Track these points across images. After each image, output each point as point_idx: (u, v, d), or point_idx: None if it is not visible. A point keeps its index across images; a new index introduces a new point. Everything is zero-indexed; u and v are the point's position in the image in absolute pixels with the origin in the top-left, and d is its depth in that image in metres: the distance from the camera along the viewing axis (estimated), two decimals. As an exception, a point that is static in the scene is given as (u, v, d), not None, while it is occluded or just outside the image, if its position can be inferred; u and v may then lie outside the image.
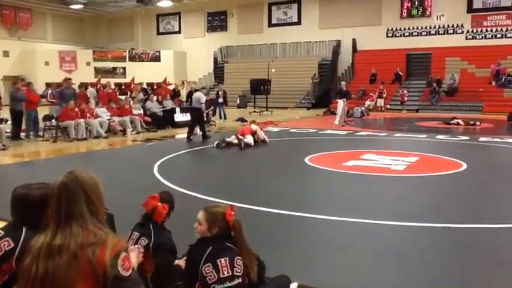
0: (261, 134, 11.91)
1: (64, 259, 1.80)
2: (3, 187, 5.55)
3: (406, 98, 24.52)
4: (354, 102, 23.48)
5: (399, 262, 4.15)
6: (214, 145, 11.26)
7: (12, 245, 2.36)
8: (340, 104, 17.14)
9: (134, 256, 2.67)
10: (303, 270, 3.84)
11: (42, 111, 13.83)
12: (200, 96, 13.07)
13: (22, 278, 1.87)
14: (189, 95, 19.95)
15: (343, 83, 18.62)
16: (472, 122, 17.11)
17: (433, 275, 3.82)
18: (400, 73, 26.58)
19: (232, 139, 11.40)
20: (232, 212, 2.86)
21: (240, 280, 2.78)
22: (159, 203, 3.17)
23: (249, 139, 11.26)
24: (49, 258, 1.81)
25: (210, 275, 2.73)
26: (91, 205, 1.91)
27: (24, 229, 2.40)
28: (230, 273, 2.74)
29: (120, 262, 1.83)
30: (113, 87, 17.69)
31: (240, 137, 11.27)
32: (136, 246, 2.97)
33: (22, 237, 2.36)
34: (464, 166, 8.68)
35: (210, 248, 2.77)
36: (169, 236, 3.22)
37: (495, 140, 12.75)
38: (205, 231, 2.86)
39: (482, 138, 13.01)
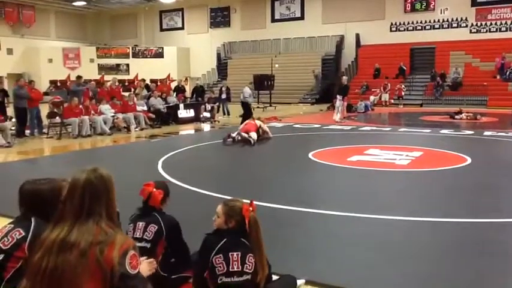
0: (265, 127, 12.14)
1: (73, 255, 1.81)
2: (9, 184, 5.58)
3: (403, 93, 24.49)
4: (358, 96, 23.44)
5: (404, 257, 4.15)
6: (225, 140, 11.27)
7: (24, 233, 2.43)
8: (338, 100, 17.05)
9: (146, 267, 2.62)
10: (308, 266, 3.84)
11: (45, 109, 13.82)
12: (245, 91, 13.77)
13: (31, 271, 1.88)
14: (194, 91, 20.08)
15: (344, 77, 18.10)
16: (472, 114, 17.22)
17: (438, 270, 3.82)
18: (404, 67, 26.49)
19: (236, 135, 11.41)
20: (251, 208, 2.89)
21: (248, 277, 2.79)
22: (154, 189, 3.29)
23: (253, 135, 11.27)
24: (60, 254, 1.83)
25: (220, 266, 2.76)
26: (109, 204, 1.95)
27: (33, 219, 2.47)
28: (240, 269, 2.77)
29: (127, 260, 1.85)
30: (111, 83, 17.55)
31: (245, 134, 11.27)
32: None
33: (32, 226, 2.43)
34: (469, 160, 8.65)
35: (225, 240, 2.81)
36: (175, 219, 3.32)
37: (499, 134, 12.70)
38: (222, 224, 2.90)
39: (486, 133, 12.97)
